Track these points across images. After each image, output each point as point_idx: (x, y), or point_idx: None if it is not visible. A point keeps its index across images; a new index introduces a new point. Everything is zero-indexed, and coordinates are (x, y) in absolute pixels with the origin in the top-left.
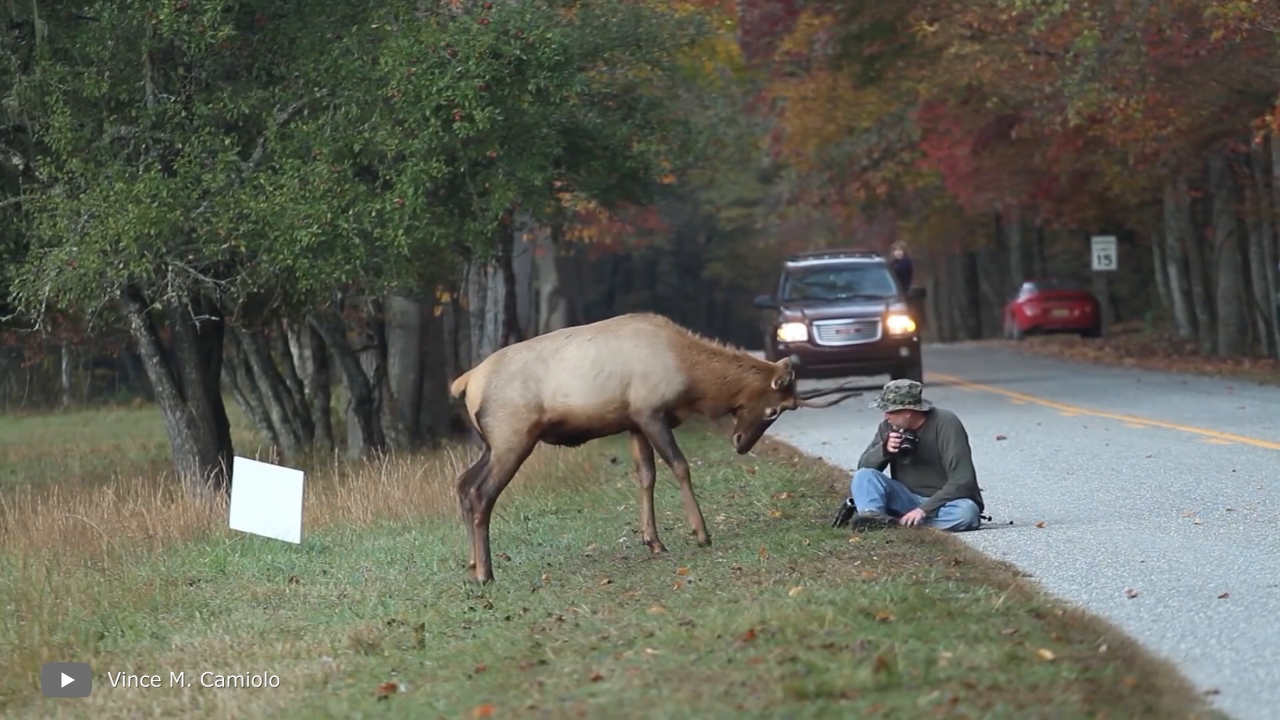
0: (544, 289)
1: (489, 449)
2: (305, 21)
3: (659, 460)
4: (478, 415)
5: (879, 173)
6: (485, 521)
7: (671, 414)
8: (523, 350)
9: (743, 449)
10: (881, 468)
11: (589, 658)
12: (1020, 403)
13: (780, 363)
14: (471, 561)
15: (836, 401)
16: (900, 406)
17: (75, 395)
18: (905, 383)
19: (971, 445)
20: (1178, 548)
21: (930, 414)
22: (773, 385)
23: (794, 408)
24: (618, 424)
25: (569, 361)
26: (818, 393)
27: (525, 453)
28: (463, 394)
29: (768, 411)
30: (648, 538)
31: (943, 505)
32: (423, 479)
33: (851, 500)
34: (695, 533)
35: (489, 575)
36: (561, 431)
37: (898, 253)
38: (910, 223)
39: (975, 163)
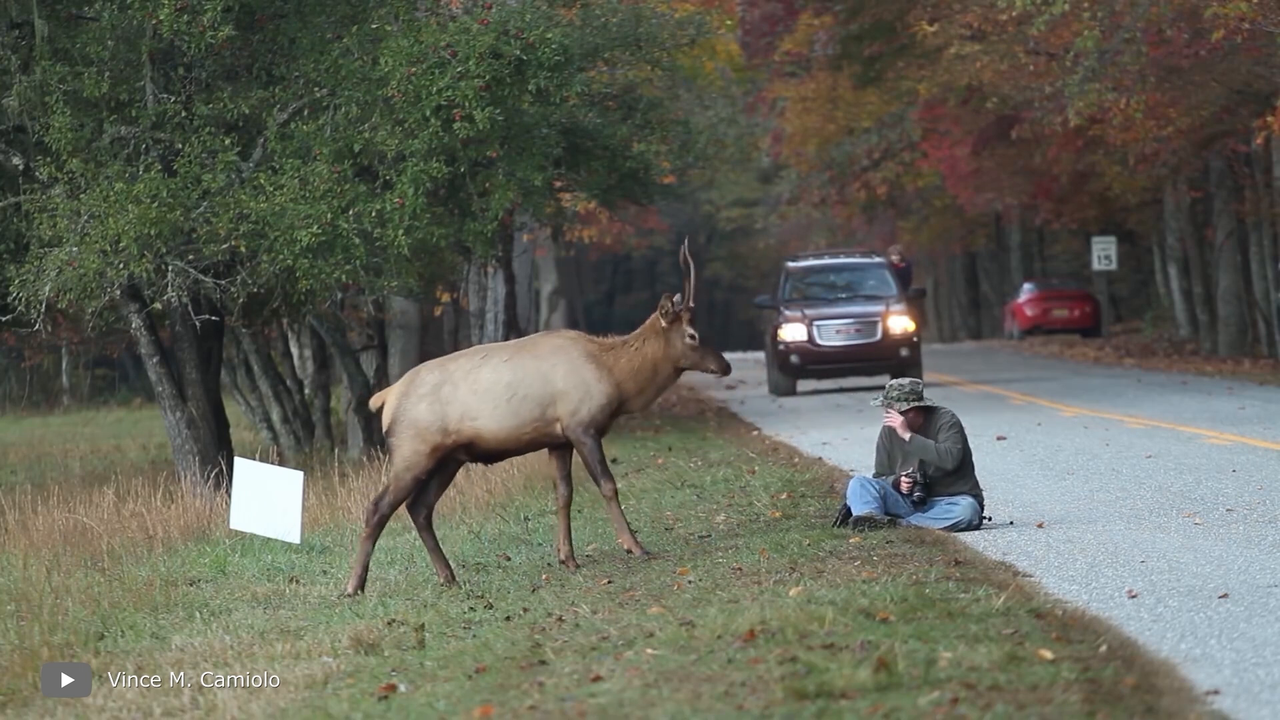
0: (544, 289)
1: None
2: (305, 21)
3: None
4: (386, 433)
5: (879, 173)
6: (373, 536)
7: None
8: (435, 370)
9: (721, 370)
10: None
11: (589, 658)
12: (1020, 403)
13: (662, 300)
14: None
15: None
16: (904, 405)
17: (75, 395)
18: (907, 380)
19: (972, 446)
20: (1178, 548)
21: (931, 411)
22: (661, 324)
23: (691, 320)
24: (534, 444)
25: (481, 385)
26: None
27: (424, 473)
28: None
29: (684, 341)
30: (562, 556)
31: (926, 459)
32: None
33: (848, 505)
34: (629, 551)
35: (359, 589)
36: (475, 452)
37: (894, 257)
38: (910, 223)
39: (975, 163)
